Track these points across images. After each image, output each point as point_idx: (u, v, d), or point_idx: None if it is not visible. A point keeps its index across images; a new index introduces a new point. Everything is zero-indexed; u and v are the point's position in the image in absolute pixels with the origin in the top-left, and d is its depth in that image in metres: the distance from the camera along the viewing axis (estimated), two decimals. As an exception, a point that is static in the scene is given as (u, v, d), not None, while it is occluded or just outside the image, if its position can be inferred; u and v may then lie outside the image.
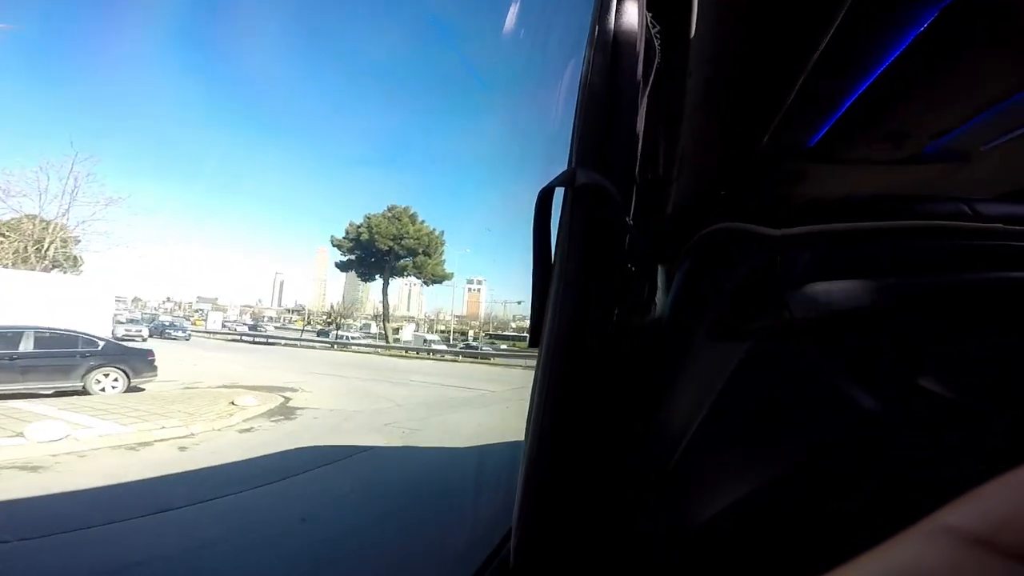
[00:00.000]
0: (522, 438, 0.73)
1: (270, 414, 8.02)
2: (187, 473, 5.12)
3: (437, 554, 3.68)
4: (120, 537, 3.61)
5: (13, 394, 7.82)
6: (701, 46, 0.85)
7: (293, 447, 6.26)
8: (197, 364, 14.80)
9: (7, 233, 18.62)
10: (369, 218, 34.66)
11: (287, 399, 9.58)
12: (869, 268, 0.62)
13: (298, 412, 8.45)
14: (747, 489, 0.60)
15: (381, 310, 37.97)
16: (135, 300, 70.69)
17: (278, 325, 51.04)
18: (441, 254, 36.73)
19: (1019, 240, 0.58)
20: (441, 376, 16.12)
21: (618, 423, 0.78)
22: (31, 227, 19.19)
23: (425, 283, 38.21)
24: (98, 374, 8.95)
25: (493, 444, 7.23)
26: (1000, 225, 0.59)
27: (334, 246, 36.07)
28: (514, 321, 57.76)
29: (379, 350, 30.09)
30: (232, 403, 8.03)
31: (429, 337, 39.41)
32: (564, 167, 0.74)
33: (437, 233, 36.05)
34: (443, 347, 34.79)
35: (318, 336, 37.28)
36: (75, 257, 21.94)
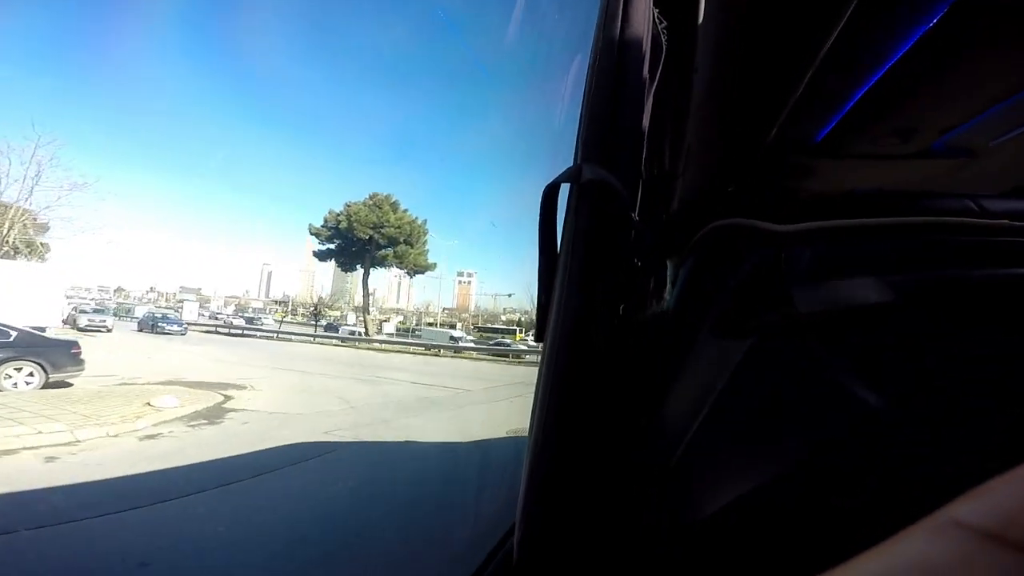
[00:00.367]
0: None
1: (192, 417, 7.36)
2: (34, 491, 4.32)
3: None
4: None
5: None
6: (707, 41, 0.87)
7: (202, 459, 5.55)
8: (151, 357, 14.27)
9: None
10: (349, 206, 33.57)
11: (226, 398, 8.95)
12: (874, 264, 0.63)
13: (229, 415, 7.77)
14: (750, 485, 0.62)
15: (362, 301, 36.68)
16: (118, 290, 69.23)
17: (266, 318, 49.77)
18: (424, 243, 36.07)
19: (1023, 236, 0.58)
20: (416, 372, 15.58)
21: (622, 418, 0.78)
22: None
23: (408, 274, 36.97)
24: (8, 368, 8.16)
25: (496, 439, 7.19)
26: (1006, 221, 0.61)
27: (312, 234, 35.14)
28: (504, 314, 56.82)
29: (358, 343, 28.48)
30: (148, 404, 7.13)
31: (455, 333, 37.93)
32: (570, 163, 0.77)
33: (420, 222, 35.29)
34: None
35: (326, 330, 36.05)
36: (38, 244, 20.72)
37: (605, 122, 0.76)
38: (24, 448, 5.37)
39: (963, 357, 0.55)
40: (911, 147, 0.91)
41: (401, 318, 57.54)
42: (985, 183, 0.98)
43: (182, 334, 25.98)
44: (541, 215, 0.75)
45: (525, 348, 29.14)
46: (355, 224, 33.67)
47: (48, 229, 20.99)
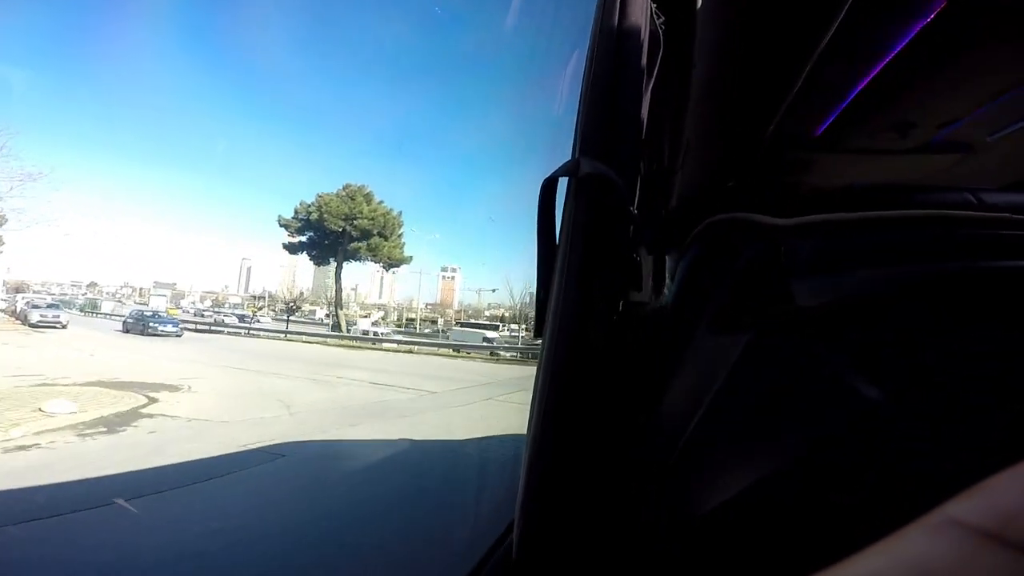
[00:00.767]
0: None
1: (90, 425, 6.71)
2: None
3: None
4: None
5: None
6: (705, 36, 0.89)
7: (73, 476, 4.84)
8: (94, 355, 13.78)
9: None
10: (321, 197, 32.42)
11: (150, 401, 8.32)
12: (873, 258, 0.65)
13: (138, 423, 7.11)
14: (749, 481, 0.63)
15: (342, 296, 35.80)
16: (91, 285, 67.57)
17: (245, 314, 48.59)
18: (399, 236, 34.91)
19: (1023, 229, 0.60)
20: (379, 372, 14.83)
21: (620, 414, 0.81)
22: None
23: (384, 267, 35.89)
24: None
25: (494, 436, 7.01)
26: (1007, 214, 0.62)
27: (282, 226, 34.11)
28: (488, 309, 56.22)
29: (330, 340, 27.77)
30: (40, 409, 6.23)
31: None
32: (568, 157, 0.79)
33: (395, 213, 34.50)
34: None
35: (333, 331, 34.37)
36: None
37: (603, 116, 0.78)
38: None
39: (962, 352, 0.56)
40: (909, 142, 0.92)
41: (383, 314, 56.40)
42: (983, 178, 0.99)
43: (178, 335, 23.58)
44: (540, 209, 0.77)
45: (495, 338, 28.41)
46: (326, 215, 32.70)
47: (6, 222, 19.92)
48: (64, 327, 21.61)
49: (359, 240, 33.94)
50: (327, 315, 44.08)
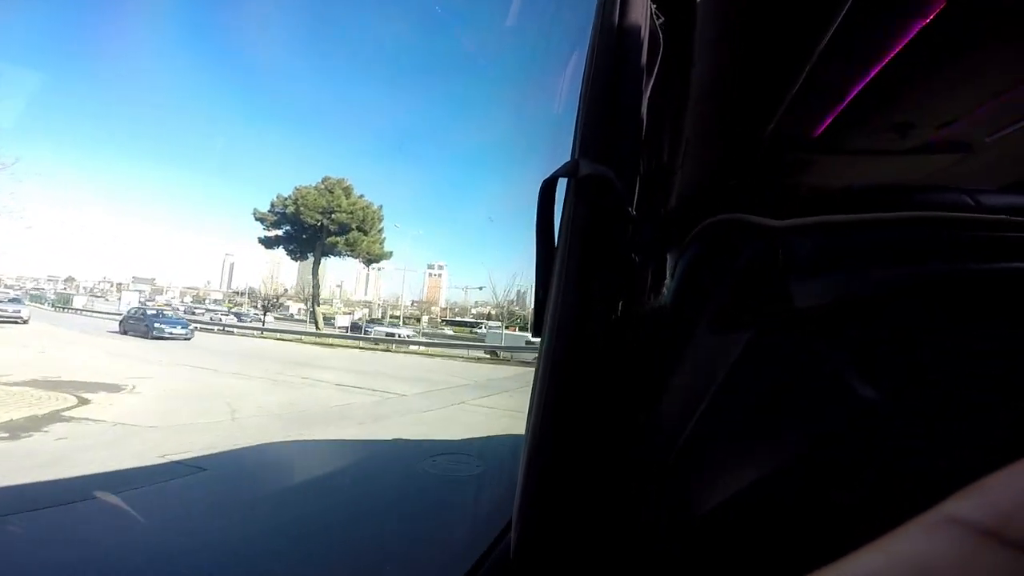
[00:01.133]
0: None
1: None
2: None
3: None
4: None
5: None
6: (705, 36, 0.90)
7: None
8: (45, 351, 13.29)
9: None
10: (298, 190, 31.67)
11: (80, 403, 7.85)
12: (870, 259, 0.66)
13: (51, 428, 6.55)
14: (749, 480, 0.64)
15: (327, 293, 35.07)
16: (68, 279, 66.59)
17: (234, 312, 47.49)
18: (379, 231, 34.38)
19: (1019, 231, 0.62)
20: (350, 372, 14.27)
21: (620, 414, 0.82)
22: None
23: (364, 263, 35.14)
24: None
25: (493, 436, 7.16)
26: (1003, 216, 0.63)
27: (257, 220, 33.23)
28: (475, 307, 55.98)
29: (311, 337, 27.31)
30: (-68, 414, 5.61)
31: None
32: (567, 157, 0.81)
33: (375, 208, 33.77)
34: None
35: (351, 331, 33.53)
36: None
37: (602, 117, 0.79)
38: None
39: (958, 352, 0.58)
40: (908, 142, 0.94)
41: (366, 311, 55.80)
42: (982, 178, 1.00)
43: (187, 338, 21.00)
44: (539, 210, 0.78)
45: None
46: (303, 209, 32.05)
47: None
48: (25, 322, 20.97)
49: (337, 234, 33.21)
50: (301, 311, 43.21)
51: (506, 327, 36.01)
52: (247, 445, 6.29)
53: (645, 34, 0.81)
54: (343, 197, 33.38)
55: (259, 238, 34.97)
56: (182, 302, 59.42)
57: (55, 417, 6.87)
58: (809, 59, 0.82)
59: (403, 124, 62.32)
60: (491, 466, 5.56)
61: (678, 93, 0.96)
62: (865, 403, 0.57)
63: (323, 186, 33.55)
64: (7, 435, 5.92)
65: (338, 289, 71.38)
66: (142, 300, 44.06)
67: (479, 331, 37.43)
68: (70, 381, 9.26)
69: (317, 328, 32.70)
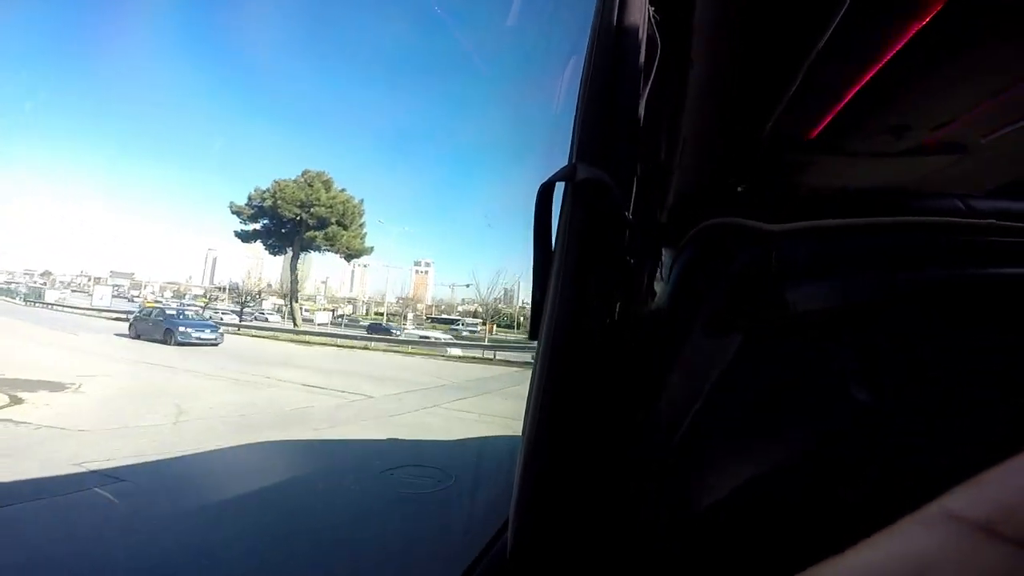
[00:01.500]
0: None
1: None
2: None
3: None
4: None
5: None
6: (702, 37, 0.91)
7: None
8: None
9: None
10: (277, 183, 31.07)
11: (11, 402, 7.54)
12: (862, 264, 0.68)
13: None
14: (747, 478, 0.66)
15: (311, 289, 34.51)
16: (44, 274, 65.62)
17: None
18: (360, 226, 33.80)
19: (1009, 236, 0.64)
20: (320, 371, 13.94)
21: (617, 414, 0.84)
22: None
23: (345, 258, 34.64)
24: None
25: (490, 436, 7.07)
26: (992, 221, 0.65)
27: (233, 213, 32.62)
28: (461, 304, 55.81)
29: (289, 334, 26.78)
30: None
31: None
32: (564, 159, 0.82)
33: (356, 202, 33.25)
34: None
35: (369, 331, 32.42)
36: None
37: (600, 120, 0.80)
38: None
39: (953, 353, 0.59)
40: (904, 144, 0.95)
41: (351, 307, 55.36)
42: (978, 179, 1.02)
43: (214, 344, 18.81)
44: (536, 214, 0.80)
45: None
46: (280, 202, 31.45)
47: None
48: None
49: (316, 229, 32.76)
50: (276, 308, 42.53)
51: (483, 323, 35.68)
52: (179, 453, 5.90)
53: (643, 36, 0.83)
54: (323, 191, 33.21)
55: (235, 232, 34.82)
56: (161, 297, 58.56)
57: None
58: (807, 60, 0.82)
59: (397, 122, 63.02)
60: (463, 480, 5.23)
61: (676, 95, 0.98)
62: (856, 404, 0.59)
63: (303, 179, 33.41)
64: None
65: (323, 285, 70.64)
66: (116, 295, 43.23)
67: (457, 328, 36.93)
68: (11, 379, 8.94)
69: (295, 325, 32.15)
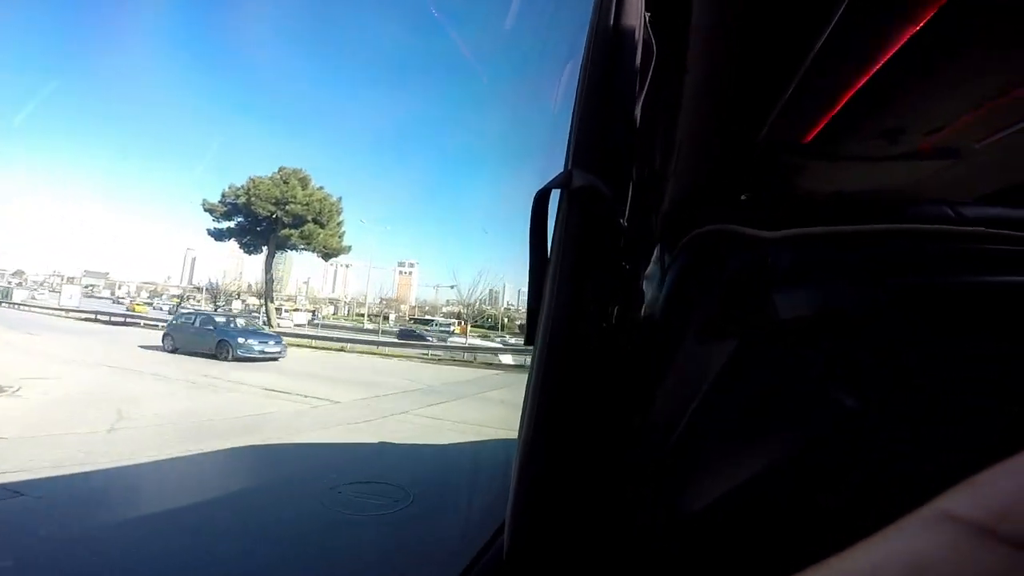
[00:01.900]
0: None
1: None
2: None
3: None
4: None
5: None
6: (699, 42, 0.93)
7: None
8: None
9: None
10: (252, 180, 30.54)
11: None
12: (853, 271, 0.70)
13: None
14: (739, 481, 0.68)
15: (296, 288, 34.01)
16: (16, 273, 64.61)
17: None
18: (338, 224, 33.40)
19: (997, 243, 0.65)
20: (288, 374, 13.34)
21: (612, 417, 0.85)
22: None
23: (322, 257, 34.23)
24: None
25: (487, 440, 6.98)
26: (981, 229, 0.67)
27: (206, 211, 32.02)
28: (446, 306, 55.70)
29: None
30: None
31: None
32: (560, 166, 0.84)
33: (333, 200, 32.81)
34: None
35: (400, 337, 30.72)
36: None
37: (596, 126, 0.81)
38: None
39: (939, 359, 0.61)
40: (898, 148, 0.96)
41: (333, 308, 54.93)
42: (971, 185, 1.04)
43: (276, 358, 16.11)
44: (532, 220, 0.81)
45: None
46: (254, 199, 30.88)
47: None
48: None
49: (292, 227, 32.23)
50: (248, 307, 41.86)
51: (458, 324, 35.37)
52: (102, 465, 5.36)
53: (639, 40, 0.84)
54: (299, 188, 32.78)
55: (208, 230, 34.19)
56: (126, 296, 57.79)
57: None
58: (802, 65, 0.84)
59: (390, 122, 62.78)
60: (425, 499, 4.83)
61: (672, 99, 1.00)
62: (845, 408, 0.61)
63: (278, 176, 32.97)
64: None
65: (304, 286, 70.05)
66: (90, 295, 42.37)
67: (430, 328, 36.48)
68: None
69: (270, 325, 31.52)
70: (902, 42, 0.78)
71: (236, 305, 46.49)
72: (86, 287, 57.53)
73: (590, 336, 0.78)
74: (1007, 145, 0.88)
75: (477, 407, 10.82)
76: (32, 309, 31.99)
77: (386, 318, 50.79)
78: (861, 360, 0.63)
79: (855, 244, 0.70)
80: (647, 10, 0.88)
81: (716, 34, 0.90)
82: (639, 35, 0.84)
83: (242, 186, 32.64)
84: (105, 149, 67.86)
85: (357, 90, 63.58)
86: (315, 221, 33.19)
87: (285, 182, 32.51)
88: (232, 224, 33.64)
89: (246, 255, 36.08)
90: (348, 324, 42.22)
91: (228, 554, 3.68)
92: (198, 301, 51.04)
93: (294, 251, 34.85)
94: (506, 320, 52.36)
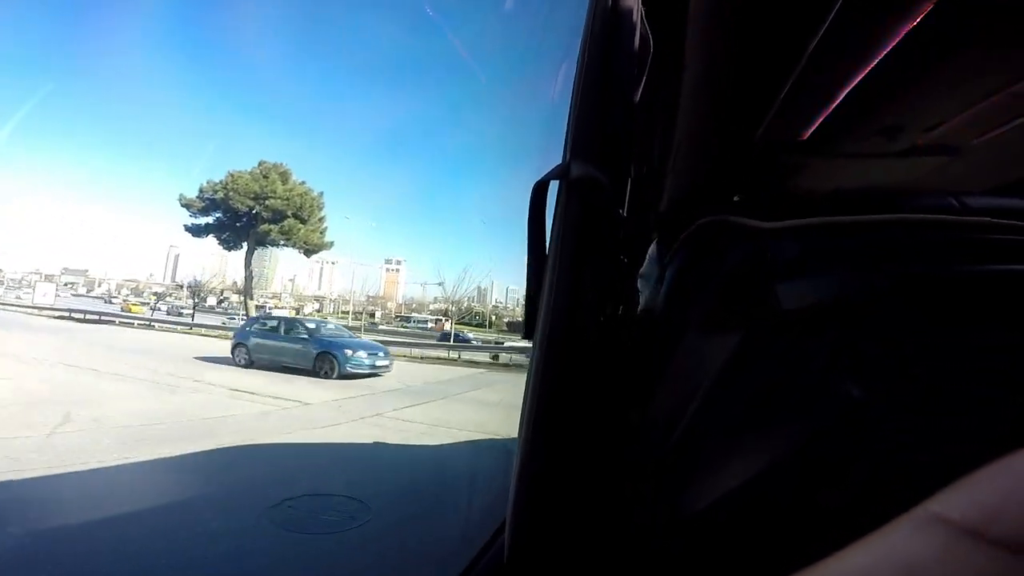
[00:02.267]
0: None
1: None
2: None
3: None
4: None
5: None
6: (696, 38, 0.93)
7: None
8: None
9: None
10: (231, 174, 30.30)
11: None
12: (855, 261, 0.71)
13: None
14: (741, 477, 0.68)
15: (281, 286, 33.66)
16: (-7, 271, 63.56)
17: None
18: (320, 219, 33.05)
19: (1003, 234, 0.66)
20: (258, 374, 12.98)
21: (613, 413, 0.86)
22: None
23: (303, 253, 33.98)
24: None
25: (487, 439, 6.90)
26: (986, 219, 0.67)
27: (183, 206, 31.55)
28: (434, 303, 55.50)
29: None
30: None
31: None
32: (559, 159, 0.84)
33: (314, 194, 32.46)
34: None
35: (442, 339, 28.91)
36: None
37: (594, 119, 0.82)
38: None
39: (942, 349, 0.61)
40: (897, 145, 0.97)
41: (318, 306, 54.59)
42: (969, 180, 1.05)
43: (384, 371, 13.63)
44: (530, 212, 0.82)
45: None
46: (232, 194, 30.34)
47: None
48: None
49: (271, 222, 31.74)
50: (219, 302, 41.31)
51: (435, 321, 35.06)
52: (27, 475, 4.86)
53: (636, 36, 0.85)
54: (279, 182, 32.50)
55: (185, 226, 33.77)
56: (118, 294, 57.13)
57: None
58: (799, 62, 0.84)
59: (383, 118, 62.47)
60: (387, 514, 4.45)
61: (669, 95, 1.01)
62: (849, 401, 0.61)
63: (258, 171, 32.61)
64: None
65: (290, 283, 69.43)
66: (75, 294, 41.63)
67: (409, 326, 36.15)
68: None
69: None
70: (899, 39, 0.78)
71: (211, 302, 45.92)
72: (65, 284, 56.73)
73: (590, 328, 0.79)
74: (1003, 142, 0.89)
75: (458, 409, 10.42)
76: (7, 308, 31.27)
77: (371, 316, 50.42)
78: (866, 350, 0.63)
79: (855, 234, 0.71)
80: (644, 4, 0.89)
81: (713, 29, 0.91)
82: (636, 30, 0.85)
83: (220, 181, 32.29)
84: (88, 144, 67.14)
85: (348, 85, 63.38)
86: (296, 216, 32.88)
87: (265, 176, 32.19)
88: (210, 220, 33.29)
89: (229, 252, 35.68)
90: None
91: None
92: (178, 298, 50.40)
93: (275, 247, 34.70)
94: (494, 318, 52.20)
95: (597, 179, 0.75)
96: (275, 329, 14.32)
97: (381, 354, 13.79)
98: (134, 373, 11.51)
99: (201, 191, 32.62)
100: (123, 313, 31.05)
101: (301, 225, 33.09)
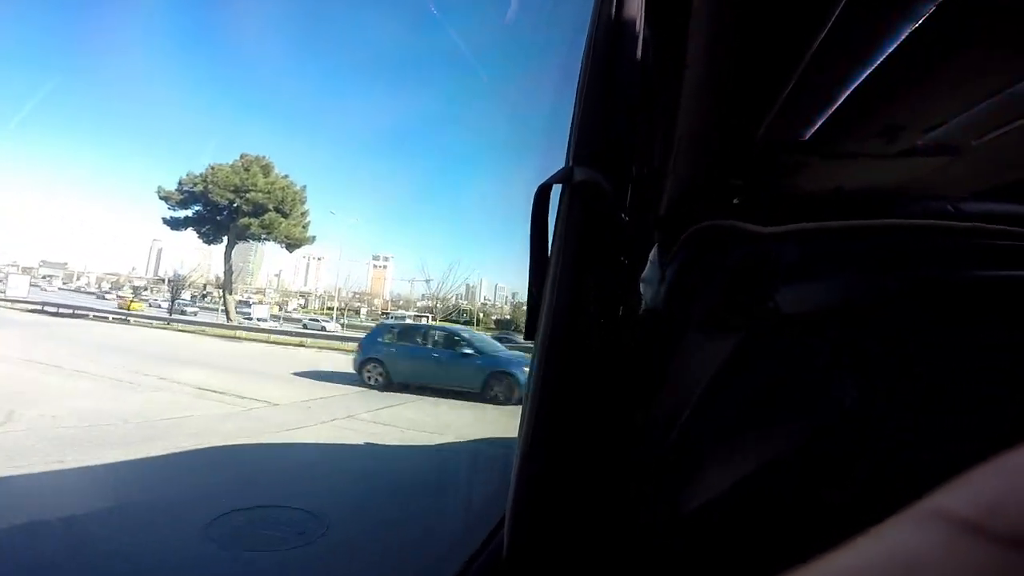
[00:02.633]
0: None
1: None
2: None
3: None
4: None
5: None
6: (698, 39, 0.94)
7: None
8: None
9: None
10: (212, 167, 29.96)
11: None
12: (851, 265, 0.72)
13: None
14: (744, 476, 0.68)
15: (267, 282, 33.11)
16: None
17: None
18: (302, 214, 32.53)
19: (996, 239, 0.67)
20: (229, 371, 12.63)
21: (613, 413, 0.86)
22: None
23: (287, 248, 33.66)
24: None
25: (486, 438, 6.77)
26: (979, 224, 0.68)
27: (161, 199, 31.20)
28: (421, 300, 55.09)
29: (209, 330, 25.16)
30: None
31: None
32: (561, 162, 0.84)
33: (296, 188, 32.16)
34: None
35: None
36: None
37: (597, 123, 0.83)
38: None
39: (942, 350, 0.61)
40: (896, 146, 0.98)
41: (303, 302, 54.11)
42: (968, 182, 1.06)
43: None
44: (533, 215, 0.83)
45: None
46: (212, 187, 29.99)
47: None
48: None
49: (251, 215, 31.43)
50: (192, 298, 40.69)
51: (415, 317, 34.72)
52: None
53: (639, 39, 0.86)
54: (260, 176, 32.30)
55: (164, 219, 33.48)
56: (98, 287, 56.38)
57: None
58: (801, 62, 0.84)
59: (385, 118, 62.47)
60: (343, 529, 4.11)
61: (671, 96, 1.01)
62: (848, 401, 0.62)
63: (240, 164, 32.40)
64: None
65: (275, 279, 68.80)
66: (41, 285, 40.75)
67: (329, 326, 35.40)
68: None
69: (228, 319, 30.44)
70: (900, 40, 0.79)
71: (186, 295, 45.07)
72: (44, 277, 55.80)
73: (590, 331, 0.80)
74: (1003, 143, 0.90)
75: (435, 412, 10.03)
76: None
77: (356, 312, 49.94)
78: (868, 350, 0.65)
79: (854, 239, 0.72)
80: (647, 7, 0.91)
81: (715, 32, 0.92)
82: (639, 32, 0.87)
83: (200, 174, 31.97)
84: (72, 137, 66.20)
85: (346, 82, 63.41)
86: (277, 210, 32.63)
87: (246, 169, 31.94)
88: (190, 213, 33.00)
89: (210, 246, 35.08)
90: (320, 318, 41.41)
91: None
92: (159, 292, 49.61)
93: (256, 241, 34.63)
94: (481, 315, 51.93)
95: (600, 184, 0.76)
96: (420, 341, 11.72)
97: (517, 368, 10.82)
98: (97, 370, 11.02)
99: (180, 183, 32.31)
100: (119, 311, 29.67)
101: (283, 219, 32.85)
